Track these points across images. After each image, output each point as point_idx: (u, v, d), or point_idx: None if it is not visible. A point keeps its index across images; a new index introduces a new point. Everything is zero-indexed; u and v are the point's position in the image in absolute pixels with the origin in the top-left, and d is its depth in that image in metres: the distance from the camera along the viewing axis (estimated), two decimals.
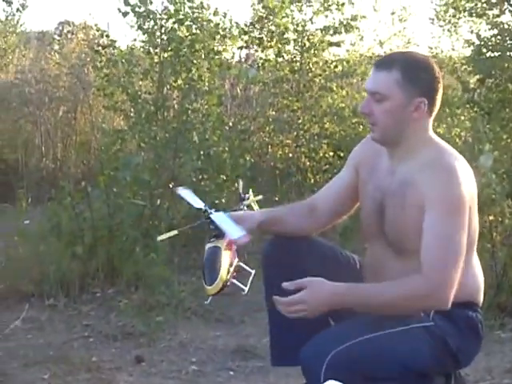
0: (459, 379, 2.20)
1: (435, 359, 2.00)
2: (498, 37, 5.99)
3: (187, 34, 5.31)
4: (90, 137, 6.94)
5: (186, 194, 2.26)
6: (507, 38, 5.95)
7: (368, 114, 2.05)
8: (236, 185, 4.96)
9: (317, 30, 6.55)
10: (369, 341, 1.92)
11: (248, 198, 2.21)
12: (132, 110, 5.34)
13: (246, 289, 2.03)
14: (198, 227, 2.19)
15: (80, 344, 3.41)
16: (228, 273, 2.01)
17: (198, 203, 2.16)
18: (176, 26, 5.29)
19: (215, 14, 5.68)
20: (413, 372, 1.97)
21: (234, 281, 2.06)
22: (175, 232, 2.21)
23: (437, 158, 2.01)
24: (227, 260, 2.02)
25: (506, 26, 5.97)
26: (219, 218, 2.06)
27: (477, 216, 2.07)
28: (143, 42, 5.48)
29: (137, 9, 5.22)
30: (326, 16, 6.55)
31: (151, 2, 5.24)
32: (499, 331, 3.55)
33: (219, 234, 2.04)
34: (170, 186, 4.86)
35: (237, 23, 6.29)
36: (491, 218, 3.96)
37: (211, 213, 2.08)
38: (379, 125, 2.04)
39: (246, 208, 2.21)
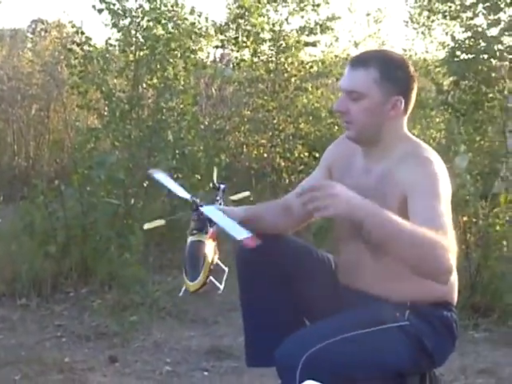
0: (434, 379, 2.20)
1: (411, 359, 2.00)
2: (472, 39, 6.04)
3: (163, 33, 5.29)
4: (63, 135, 6.89)
5: (164, 179, 2.21)
6: (480, 41, 6.00)
7: (344, 113, 2.04)
8: (211, 185, 4.95)
9: (292, 30, 6.56)
10: (345, 340, 1.91)
11: (221, 188, 2.17)
12: (106, 108, 5.30)
13: (222, 287, 2.00)
14: (186, 217, 2.13)
15: (52, 344, 3.37)
16: (210, 270, 1.97)
17: (181, 192, 2.11)
18: (152, 24, 5.27)
19: (191, 12, 5.67)
20: (389, 372, 1.97)
21: (211, 278, 2.02)
22: (162, 222, 2.18)
23: (413, 152, 2.01)
24: (210, 256, 1.98)
25: (479, 29, 6.03)
26: (213, 213, 1.97)
27: (450, 214, 2.08)
28: (118, 40, 5.44)
29: (112, 6, 5.18)
30: (302, 16, 6.57)
31: (126, 0, 5.21)
32: (473, 331, 3.58)
33: (201, 227, 1.99)
34: (144, 184, 4.83)
35: (213, 21, 6.28)
36: (465, 218, 3.99)
37: (202, 205, 2.02)
38: (356, 123, 2.03)
39: (221, 198, 2.15)
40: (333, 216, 1.78)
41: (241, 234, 1.85)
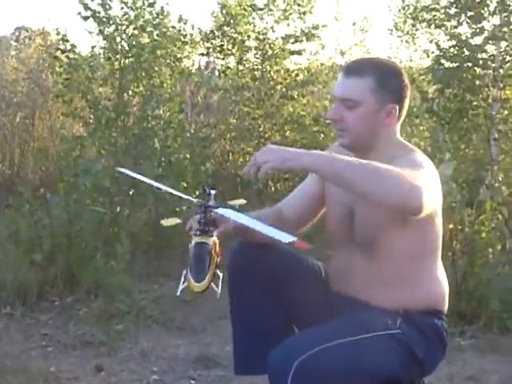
0: None
1: (402, 367, 2.00)
2: (456, 48, 6.08)
3: (149, 41, 5.29)
4: (48, 143, 6.85)
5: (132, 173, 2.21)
6: (465, 49, 6.05)
7: (338, 121, 2.05)
8: (197, 192, 4.94)
9: (278, 38, 6.58)
10: (336, 347, 1.91)
11: (213, 194, 2.15)
12: (92, 116, 5.28)
13: (219, 291, 1.96)
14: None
15: (38, 354, 3.34)
16: (214, 273, 1.95)
17: (183, 195, 2.11)
18: (137, 32, 5.27)
19: (179, 20, 5.67)
20: (379, 379, 1.97)
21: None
22: (179, 220, 2.16)
23: (405, 154, 2.01)
24: (214, 259, 1.95)
25: (463, 38, 6.08)
26: (234, 215, 1.93)
27: (441, 220, 2.09)
28: (103, 47, 5.43)
29: (97, 14, 5.18)
30: (288, 24, 6.59)
31: (111, 7, 5.21)
32: (459, 339, 3.59)
33: (207, 229, 1.97)
34: (130, 192, 4.82)
35: (199, 29, 6.29)
36: (451, 226, 4.01)
37: (218, 207, 1.99)
38: (350, 131, 2.04)
39: (214, 203, 2.12)
40: (272, 168, 1.84)
41: (286, 237, 1.81)
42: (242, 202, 2.26)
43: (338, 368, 1.90)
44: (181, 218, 2.18)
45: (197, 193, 4.94)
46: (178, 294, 1.93)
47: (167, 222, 2.17)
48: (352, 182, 1.81)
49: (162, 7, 5.49)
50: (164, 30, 5.56)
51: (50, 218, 4.11)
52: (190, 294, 2.03)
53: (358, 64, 2.09)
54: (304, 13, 6.55)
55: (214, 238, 2.00)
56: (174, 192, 2.17)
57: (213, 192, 2.10)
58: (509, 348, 3.54)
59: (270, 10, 6.59)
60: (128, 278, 3.98)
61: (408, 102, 2.08)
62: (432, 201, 1.87)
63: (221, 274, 2.02)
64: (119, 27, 5.27)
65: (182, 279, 1.95)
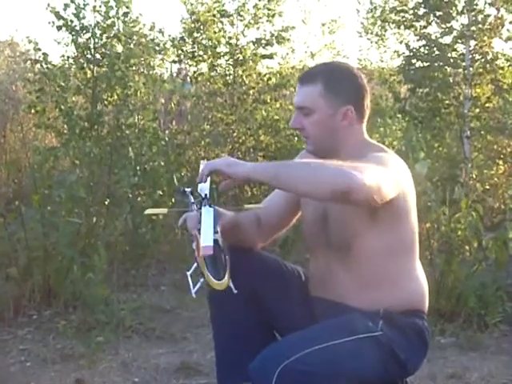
0: None
1: (384, 368, 2.00)
2: (426, 47, 6.14)
3: (122, 50, 5.27)
4: (20, 155, 6.78)
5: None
6: (435, 49, 6.11)
7: (300, 129, 2.09)
8: (173, 200, 4.92)
9: (249, 42, 6.58)
10: (318, 351, 1.91)
11: (188, 191, 2.14)
12: (65, 126, 5.24)
13: (235, 290, 1.93)
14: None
15: (17, 369, 3.29)
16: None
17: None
18: (110, 41, 5.25)
19: (151, 28, 5.66)
20: (362, 382, 1.97)
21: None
22: (164, 210, 2.17)
23: (371, 154, 2.01)
24: (226, 256, 1.94)
25: (433, 37, 6.13)
26: (207, 214, 1.95)
27: (416, 218, 2.09)
28: (75, 57, 5.40)
29: (70, 23, 5.15)
30: (258, 28, 6.59)
31: (84, 17, 5.18)
32: (440, 337, 3.60)
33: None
34: (106, 202, 4.79)
35: (170, 36, 6.27)
36: (428, 225, 4.03)
37: (205, 205, 1.99)
38: (311, 137, 2.08)
39: (194, 201, 2.11)
40: (214, 167, 1.91)
41: (206, 240, 1.81)
42: (260, 206, 2.27)
43: (321, 372, 1.89)
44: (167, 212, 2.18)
45: (173, 200, 4.92)
46: (194, 295, 1.89)
47: (152, 211, 2.19)
48: (286, 181, 1.84)
49: (137, 17, 5.48)
50: (137, 38, 5.54)
51: (25, 230, 4.06)
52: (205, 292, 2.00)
53: (311, 71, 2.13)
54: (273, 15, 6.55)
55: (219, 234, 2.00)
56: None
57: (188, 190, 2.12)
58: (489, 344, 3.56)
59: (240, 15, 6.59)
60: (106, 288, 3.95)
61: (368, 101, 2.09)
62: (389, 189, 1.86)
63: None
64: (92, 36, 5.24)
65: (190, 279, 1.91)
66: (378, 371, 1.99)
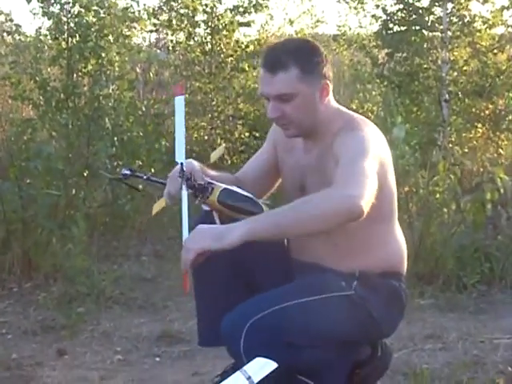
0: (385, 349, 2.24)
1: (356, 328, 2.02)
2: (404, 11, 6.11)
3: (95, 20, 5.21)
4: None
5: None
6: (412, 13, 6.08)
7: (279, 118, 2.04)
8: (152, 170, 4.90)
9: (226, 10, 6.52)
10: (288, 308, 1.92)
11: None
12: (41, 98, 5.19)
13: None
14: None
15: None
16: None
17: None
18: (83, 11, 5.18)
19: None
20: (334, 340, 1.98)
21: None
22: (163, 202, 2.17)
23: (345, 125, 2.03)
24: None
25: (410, 1, 6.10)
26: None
27: (394, 182, 2.10)
28: (49, 29, 5.34)
29: None
30: None
31: None
32: (419, 299, 3.64)
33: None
34: (85, 174, 4.76)
35: (145, 6, 6.20)
36: (406, 189, 4.05)
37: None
38: (294, 122, 2.04)
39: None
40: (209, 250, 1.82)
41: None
42: (222, 149, 2.28)
43: (290, 327, 1.90)
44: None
45: (152, 170, 4.90)
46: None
47: (156, 209, 2.20)
48: (291, 229, 1.84)
49: None
50: (110, 8, 5.47)
51: (3, 203, 4.04)
52: None
53: (278, 57, 2.03)
54: None
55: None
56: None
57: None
58: (467, 305, 3.61)
59: None
60: (86, 259, 3.94)
61: (331, 67, 2.09)
62: (376, 183, 1.87)
63: None
64: (64, 6, 5.18)
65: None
66: (351, 330, 2.01)
